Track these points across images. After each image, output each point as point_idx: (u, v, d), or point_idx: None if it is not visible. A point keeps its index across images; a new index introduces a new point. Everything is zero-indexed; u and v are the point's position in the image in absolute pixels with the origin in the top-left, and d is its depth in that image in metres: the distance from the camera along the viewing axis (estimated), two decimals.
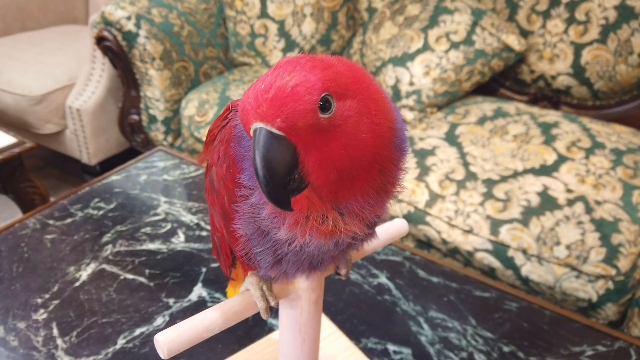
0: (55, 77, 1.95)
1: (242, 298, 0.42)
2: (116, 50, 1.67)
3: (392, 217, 1.37)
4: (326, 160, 0.31)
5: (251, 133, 0.32)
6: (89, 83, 1.92)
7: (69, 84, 1.96)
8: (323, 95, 0.31)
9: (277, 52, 1.83)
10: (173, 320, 0.70)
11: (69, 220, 0.88)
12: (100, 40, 1.68)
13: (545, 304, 0.74)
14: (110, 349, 0.66)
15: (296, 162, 0.31)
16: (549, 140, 1.29)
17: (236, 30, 1.85)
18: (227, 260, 0.44)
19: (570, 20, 1.49)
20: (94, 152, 1.99)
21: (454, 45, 1.51)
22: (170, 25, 1.69)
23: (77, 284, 0.75)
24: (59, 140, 2.05)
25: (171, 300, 0.73)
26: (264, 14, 1.78)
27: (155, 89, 1.70)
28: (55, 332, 0.68)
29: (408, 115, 1.51)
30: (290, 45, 1.81)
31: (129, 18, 1.62)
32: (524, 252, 1.09)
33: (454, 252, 1.18)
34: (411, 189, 1.24)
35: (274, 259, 0.39)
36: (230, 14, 1.84)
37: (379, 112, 0.34)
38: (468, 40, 1.52)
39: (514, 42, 1.52)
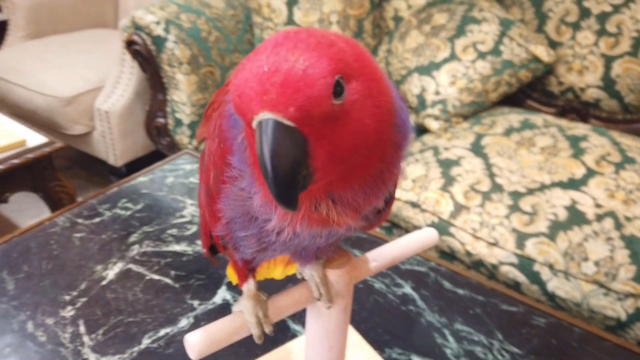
0: (85, 79, 2.00)
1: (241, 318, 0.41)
2: (145, 54, 1.70)
3: (415, 227, 1.35)
4: (335, 151, 0.29)
5: (254, 125, 0.27)
6: (117, 86, 1.96)
7: (98, 87, 2.00)
8: (336, 78, 0.27)
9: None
10: (197, 322, 0.70)
11: (97, 219, 0.90)
12: (129, 44, 1.72)
13: (575, 321, 0.72)
14: (135, 349, 0.66)
15: (307, 157, 0.28)
16: (578, 153, 1.27)
17: (262, 37, 1.86)
18: (207, 240, 0.42)
19: (601, 32, 1.47)
20: (120, 153, 2.02)
21: (481, 55, 1.50)
22: (198, 31, 1.72)
23: (104, 282, 0.76)
24: (87, 142, 2.09)
25: (196, 302, 0.73)
26: (290, 21, 1.79)
27: (182, 93, 1.73)
28: (82, 329, 0.69)
29: (433, 124, 1.50)
30: None
31: (158, 23, 1.65)
32: (551, 267, 1.07)
33: (478, 264, 1.17)
34: (435, 199, 1.23)
35: (258, 245, 0.36)
36: (257, 21, 1.86)
37: (380, 93, 0.31)
38: (495, 51, 1.50)
39: (543, 53, 1.51)
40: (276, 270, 0.51)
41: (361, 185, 0.32)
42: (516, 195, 1.17)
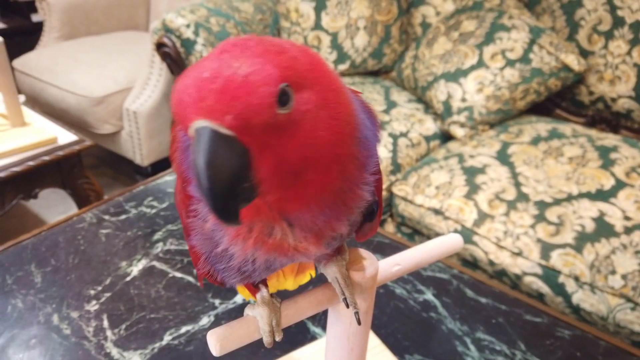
0: (115, 80, 2.04)
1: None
2: (174, 57, 1.73)
3: (437, 234, 1.33)
4: (282, 164, 0.27)
5: (192, 133, 0.26)
6: (146, 87, 1.99)
7: (127, 87, 2.04)
8: (281, 86, 0.26)
9: (328, 64, 1.85)
10: (218, 321, 0.71)
11: (123, 216, 0.91)
12: (159, 46, 1.75)
13: (601, 334, 0.70)
14: (157, 345, 0.67)
15: (248, 168, 0.26)
16: (607, 164, 1.24)
17: None
18: (198, 272, 0.41)
19: (635, 42, 1.44)
20: (146, 153, 2.06)
21: (510, 63, 1.48)
22: (226, 34, 1.74)
23: (128, 278, 0.78)
24: (115, 141, 2.14)
25: (217, 301, 0.74)
26: (318, 25, 1.80)
27: None
28: (105, 323, 0.70)
29: (459, 131, 1.49)
30: (341, 57, 1.82)
31: (188, 26, 1.67)
32: (576, 279, 1.05)
33: (501, 274, 1.15)
34: (459, 207, 1.21)
35: (240, 275, 0.35)
36: (285, 25, 1.87)
37: (338, 105, 0.29)
38: (525, 59, 1.48)
39: (573, 61, 1.48)
40: (287, 281, 0.51)
41: (319, 204, 0.30)
42: (542, 205, 1.15)
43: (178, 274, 0.79)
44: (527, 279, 1.10)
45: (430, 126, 1.56)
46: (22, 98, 1.40)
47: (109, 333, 0.68)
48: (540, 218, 1.13)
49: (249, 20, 1.84)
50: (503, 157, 1.31)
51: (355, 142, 0.30)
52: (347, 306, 0.42)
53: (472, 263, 1.21)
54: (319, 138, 0.28)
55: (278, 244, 0.31)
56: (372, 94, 1.69)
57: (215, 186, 0.25)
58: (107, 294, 0.75)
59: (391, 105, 1.62)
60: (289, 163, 0.27)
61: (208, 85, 0.25)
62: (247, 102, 0.25)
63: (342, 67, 1.84)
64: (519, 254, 1.11)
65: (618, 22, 1.46)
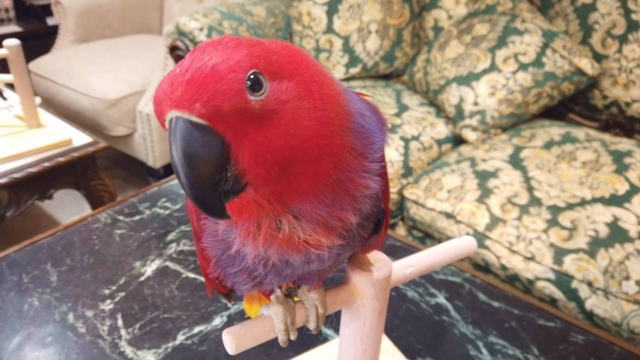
0: (129, 82, 2.06)
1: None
2: None
3: (448, 238, 1.33)
4: (264, 153, 0.27)
5: (166, 125, 0.27)
6: None
7: (141, 90, 2.06)
8: (252, 72, 0.26)
9: (340, 67, 1.85)
10: (231, 321, 0.71)
11: (137, 217, 0.92)
12: (173, 49, 1.77)
13: (615, 340, 0.70)
14: (170, 344, 0.68)
15: (227, 157, 0.26)
16: (621, 169, 1.23)
17: (302, 45, 1.89)
18: (209, 283, 0.41)
19: None
20: (159, 155, 2.07)
21: (523, 67, 1.48)
22: None
23: (142, 278, 0.79)
24: (128, 143, 2.16)
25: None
26: (330, 29, 1.81)
27: None
28: (119, 322, 0.71)
29: (471, 135, 1.48)
30: (353, 60, 1.83)
31: (201, 29, 1.69)
32: (590, 284, 1.04)
33: (513, 279, 1.14)
34: (471, 211, 1.21)
35: (251, 280, 0.35)
36: (297, 29, 1.88)
37: (324, 96, 0.29)
38: (538, 62, 1.48)
39: (587, 65, 1.47)
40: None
41: (317, 195, 0.30)
42: (555, 210, 1.15)
43: (191, 275, 0.79)
44: (540, 284, 1.09)
45: (442, 130, 1.56)
46: (37, 100, 1.41)
47: (123, 332, 0.69)
48: (553, 223, 1.12)
49: (262, 24, 1.85)
50: (515, 161, 1.31)
51: (348, 132, 0.30)
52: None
53: (484, 267, 1.21)
54: (305, 128, 0.28)
55: (288, 239, 0.31)
56: (384, 98, 1.69)
57: (190, 175, 0.25)
58: (122, 294, 0.76)
59: (403, 108, 1.62)
60: (272, 153, 0.27)
61: (179, 79, 0.26)
62: (214, 89, 0.26)
63: (354, 70, 1.84)
64: (531, 258, 1.10)
65: (632, 25, 1.45)
